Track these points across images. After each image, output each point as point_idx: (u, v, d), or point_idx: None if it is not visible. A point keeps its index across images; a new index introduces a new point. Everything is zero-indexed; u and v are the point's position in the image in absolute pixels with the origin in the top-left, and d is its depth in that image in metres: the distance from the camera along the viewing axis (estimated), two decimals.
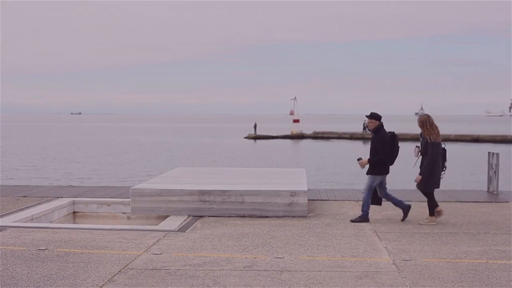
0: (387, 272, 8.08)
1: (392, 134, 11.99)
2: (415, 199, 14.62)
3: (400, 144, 12.29)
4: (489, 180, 16.23)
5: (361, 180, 33.29)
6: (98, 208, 13.80)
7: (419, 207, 13.43)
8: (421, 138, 12.02)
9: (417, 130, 12.63)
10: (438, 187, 11.96)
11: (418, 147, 11.96)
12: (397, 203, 12.18)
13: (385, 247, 9.57)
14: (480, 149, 57.98)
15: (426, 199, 12.00)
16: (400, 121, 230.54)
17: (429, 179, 11.80)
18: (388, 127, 12.02)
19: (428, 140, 11.73)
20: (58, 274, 7.85)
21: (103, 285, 7.45)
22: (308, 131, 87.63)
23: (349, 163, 43.90)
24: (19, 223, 11.39)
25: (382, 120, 12.01)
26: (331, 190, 16.81)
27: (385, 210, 13.09)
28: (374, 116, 11.94)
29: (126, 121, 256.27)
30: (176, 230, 10.92)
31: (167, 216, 12.30)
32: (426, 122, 11.85)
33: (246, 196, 12.42)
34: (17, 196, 14.60)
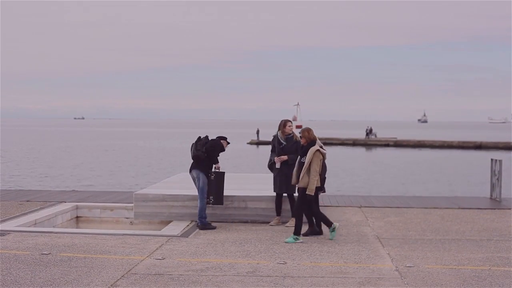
0: (389, 279, 8.09)
1: (203, 138, 11.88)
2: (418, 205, 14.63)
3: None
4: (492, 187, 16.22)
5: (365, 186, 33.28)
6: (101, 213, 13.81)
7: (423, 214, 13.43)
8: (284, 142, 12.22)
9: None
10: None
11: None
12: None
13: (388, 254, 9.57)
14: (483, 156, 57.90)
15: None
16: (403, 127, 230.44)
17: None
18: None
19: (298, 140, 11.93)
20: (61, 279, 7.87)
21: None
22: None
23: (352, 169, 43.89)
24: (23, 228, 11.41)
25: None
26: (334, 196, 16.81)
27: (388, 216, 13.10)
28: None
29: (129, 126, 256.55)
30: (179, 235, 10.94)
31: (170, 221, 12.32)
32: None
33: (249, 202, 12.44)
34: (20, 201, 14.61)
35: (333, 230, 10.76)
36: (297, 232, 10.58)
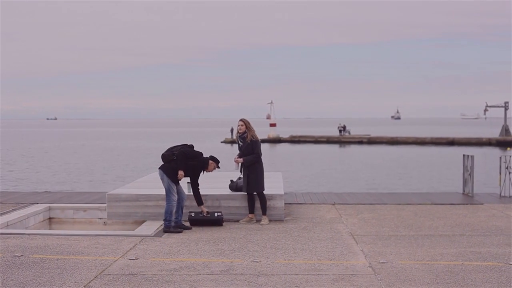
0: (363, 275, 8.13)
1: (188, 147, 11.79)
2: (391, 202, 14.72)
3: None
4: (464, 182, 16.38)
5: (338, 183, 33.41)
6: (74, 214, 13.70)
7: (396, 210, 13.52)
8: (240, 143, 12.26)
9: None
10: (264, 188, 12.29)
11: (240, 164, 12.23)
12: None
13: (362, 250, 9.62)
14: (456, 151, 58.48)
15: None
16: (376, 124, 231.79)
17: (261, 179, 12.11)
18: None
19: (253, 139, 12.01)
20: (34, 281, 7.80)
21: None
22: (285, 135, 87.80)
23: (326, 167, 44.05)
24: None
25: None
26: (308, 193, 16.86)
27: (362, 213, 13.16)
28: None
29: (102, 126, 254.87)
30: (152, 235, 10.89)
31: (143, 221, 12.26)
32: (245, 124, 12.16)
33: (222, 201, 12.42)
34: None
35: None
36: None
